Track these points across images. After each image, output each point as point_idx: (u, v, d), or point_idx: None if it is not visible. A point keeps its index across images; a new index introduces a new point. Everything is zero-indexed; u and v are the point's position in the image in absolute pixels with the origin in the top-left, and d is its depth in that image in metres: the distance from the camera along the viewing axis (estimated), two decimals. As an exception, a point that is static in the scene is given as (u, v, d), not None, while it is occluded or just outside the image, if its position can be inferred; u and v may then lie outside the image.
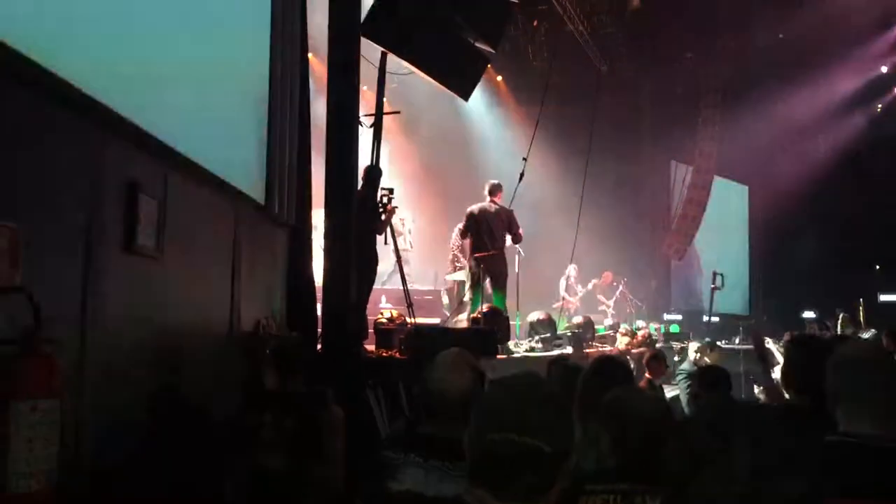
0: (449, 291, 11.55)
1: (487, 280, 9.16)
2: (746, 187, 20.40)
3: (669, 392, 7.80)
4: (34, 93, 2.73)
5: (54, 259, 2.88)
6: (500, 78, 15.79)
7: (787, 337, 9.20)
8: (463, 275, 10.70)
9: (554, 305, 12.99)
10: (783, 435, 1.13)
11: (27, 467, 2.39)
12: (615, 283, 14.39)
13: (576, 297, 13.58)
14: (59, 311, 2.74)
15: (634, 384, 3.11)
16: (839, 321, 10.54)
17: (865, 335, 9.02)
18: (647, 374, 6.96)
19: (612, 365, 3.27)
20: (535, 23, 15.28)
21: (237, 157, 4.93)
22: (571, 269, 13.41)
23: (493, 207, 9.23)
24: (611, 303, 14.21)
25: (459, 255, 10.93)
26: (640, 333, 11.15)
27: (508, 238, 9.37)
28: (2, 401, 2.33)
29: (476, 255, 9.05)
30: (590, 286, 13.88)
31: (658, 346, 10.83)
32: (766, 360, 5.05)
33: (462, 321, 8.96)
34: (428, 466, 2.48)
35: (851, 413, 2.37)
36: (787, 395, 3.23)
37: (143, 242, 3.51)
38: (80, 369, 2.96)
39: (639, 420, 2.43)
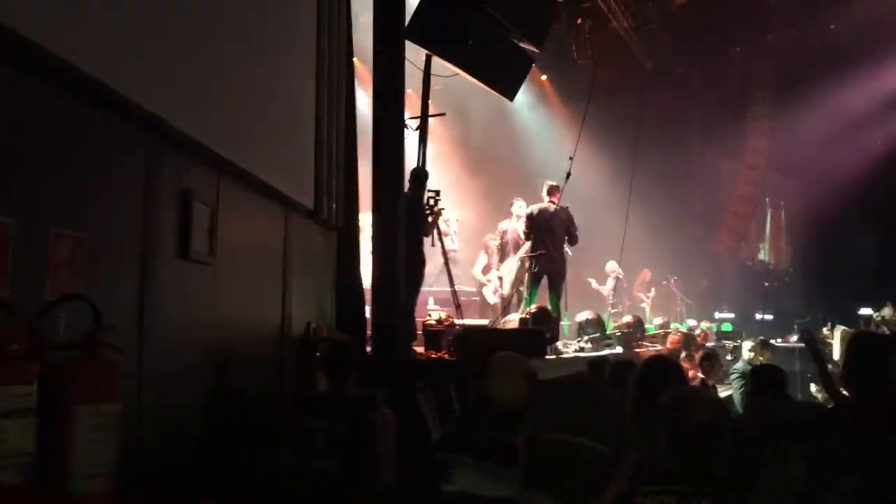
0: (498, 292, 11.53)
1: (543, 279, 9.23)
2: (799, 182, 20.00)
3: (723, 392, 7.68)
4: (95, 107, 2.80)
5: (113, 266, 2.95)
6: (544, 77, 15.72)
7: (841, 333, 9.03)
8: (504, 272, 10.73)
9: (612, 311, 12.88)
10: (838, 436, 1.11)
11: (89, 469, 2.44)
12: (654, 280, 14.23)
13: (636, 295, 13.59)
14: (117, 316, 2.80)
15: (688, 384, 3.06)
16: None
17: None
18: (700, 374, 6.88)
19: (665, 365, 3.23)
20: (579, 20, 15.16)
21: (286, 163, 4.98)
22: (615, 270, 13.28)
23: (551, 207, 9.30)
24: (649, 300, 14.06)
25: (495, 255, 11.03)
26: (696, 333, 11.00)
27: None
28: (65, 404, 2.40)
29: (534, 254, 9.14)
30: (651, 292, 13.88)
31: (709, 345, 10.71)
32: (820, 358, 4.93)
33: (512, 321, 8.95)
34: (481, 468, 2.48)
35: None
36: (846, 393, 3.15)
37: (196, 248, 3.57)
38: (138, 373, 3.02)
39: (694, 421, 2.41)
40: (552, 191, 9.43)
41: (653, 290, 14.17)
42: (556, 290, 9.27)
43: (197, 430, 3.57)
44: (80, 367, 2.43)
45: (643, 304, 13.92)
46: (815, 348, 5.15)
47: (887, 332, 8.40)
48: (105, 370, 2.49)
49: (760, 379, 4.46)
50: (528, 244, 9.88)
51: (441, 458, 2.65)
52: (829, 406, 4.04)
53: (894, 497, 2.05)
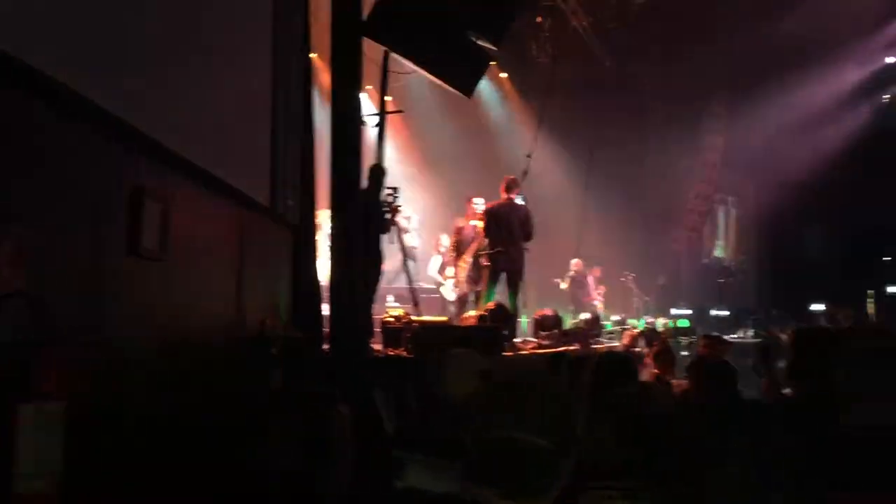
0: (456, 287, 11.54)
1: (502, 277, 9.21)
2: (753, 180, 20.32)
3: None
4: (41, 101, 2.75)
5: (59, 264, 2.89)
6: (504, 75, 15.79)
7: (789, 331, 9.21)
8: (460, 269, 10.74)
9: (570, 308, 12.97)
10: (782, 433, 1.14)
11: (34, 469, 2.41)
12: (604, 277, 14.30)
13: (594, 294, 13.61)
14: (65, 314, 2.76)
15: (639, 380, 3.10)
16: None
17: None
18: (654, 370, 6.95)
19: (617, 361, 3.27)
20: (539, 19, 15.24)
21: (241, 159, 4.94)
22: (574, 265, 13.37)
23: (509, 204, 9.23)
24: (600, 297, 14.13)
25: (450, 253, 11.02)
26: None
27: None
28: (10, 403, 2.36)
29: (492, 251, 9.09)
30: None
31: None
32: (768, 357, 5.05)
33: (469, 319, 8.97)
34: (432, 465, 2.49)
35: (857, 406, 2.38)
36: (787, 388, 3.22)
37: (147, 246, 3.52)
38: (86, 371, 2.97)
39: (643, 417, 2.44)
40: (511, 186, 9.35)
41: (602, 287, 14.25)
42: (513, 288, 9.27)
43: (149, 430, 3.52)
44: (25, 365, 2.39)
45: (595, 302, 13.99)
46: (768, 354, 5.25)
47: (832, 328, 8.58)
48: (50, 368, 2.46)
49: (709, 374, 4.53)
50: (482, 241, 9.89)
51: (394, 456, 2.65)
52: (776, 403, 4.12)
53: (839, 489, 2.10)
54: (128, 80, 3.30)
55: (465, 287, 10.75)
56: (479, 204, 10.68)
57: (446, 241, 11.61)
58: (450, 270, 11.39)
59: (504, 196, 9.37)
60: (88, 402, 2.96)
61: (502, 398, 1.65)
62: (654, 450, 2.15)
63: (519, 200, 9.29)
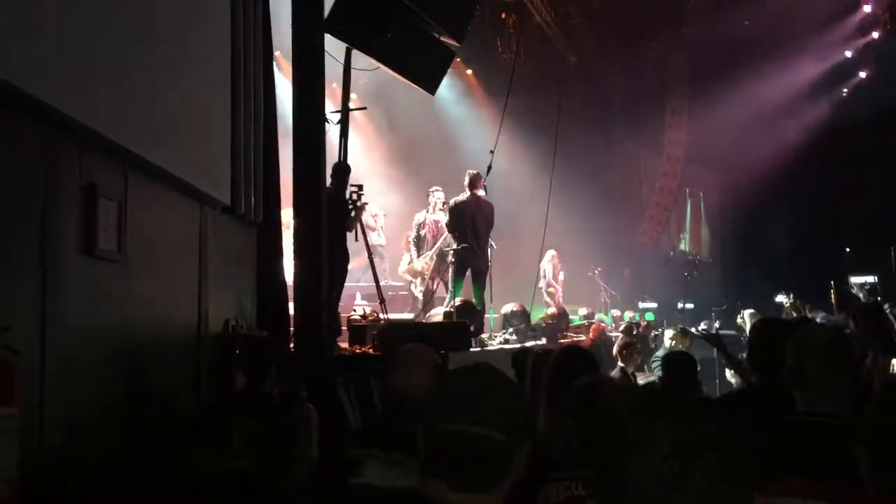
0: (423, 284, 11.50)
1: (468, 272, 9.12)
2: (717, 173, 20.56)
3: (643, 379, 7.85)
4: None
5: (7, 265, 2.84)
6: (469, 71, 15.80)
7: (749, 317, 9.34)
8: (418, 265, 10.71)
9: (541, 286, 12.92)
10: (706, 418, 1.15)
11: (-12, 475, 2.37)
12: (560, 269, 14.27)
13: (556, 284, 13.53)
14: (15, 316, 2.70)
15: (601, 373, 3.12)
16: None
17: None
18: (619, 363, 7.01)
19: (578, 354, 3.29)
20: (504, 15, 15.29)
21: (200, 157, 4.89)
22: (548, 256, 13.33)
23: (474, 200, 9.15)
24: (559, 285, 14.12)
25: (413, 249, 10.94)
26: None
27: None
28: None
29: (458, 248, 9.01)
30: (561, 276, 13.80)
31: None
32: (727, 355, 5.14)
33: (437, 315, 8.96)
34: (389, 460, 2.48)
35: (811, 393, 2.41)
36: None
37: (103, 245, 3.47)
38: (40, 376, 2.93)
39: (603, 408, 2.45)
40: (475, 181, 9.22)
41: (562, 276, 14.22)
42: (479, 284, 9.22)
43: (107, 433, 3.48)
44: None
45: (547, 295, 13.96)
46: (722, 346, 5.34)
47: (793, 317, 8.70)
48: (1, 373, 2.41)
49: (671, 365, 4.60)
50: (446, 236, 9.83)
51: (352, 452, 2.64)
52: (732, 392, 4.19)
53: (792, 475, 2.12)
54: (79, 77, 3.25)
55: (430, 283, 10.71)
56: (437, 192, 10.59)
57: (412, 236, 11.56)
58: (417, 264, 11.29)
59: (468, 192, 9.29)
60: (42, 408, 2.92)
61: (449, 391, 1.64)
62: (604, 440, 2.15)
63: (481, 193, 9.18)
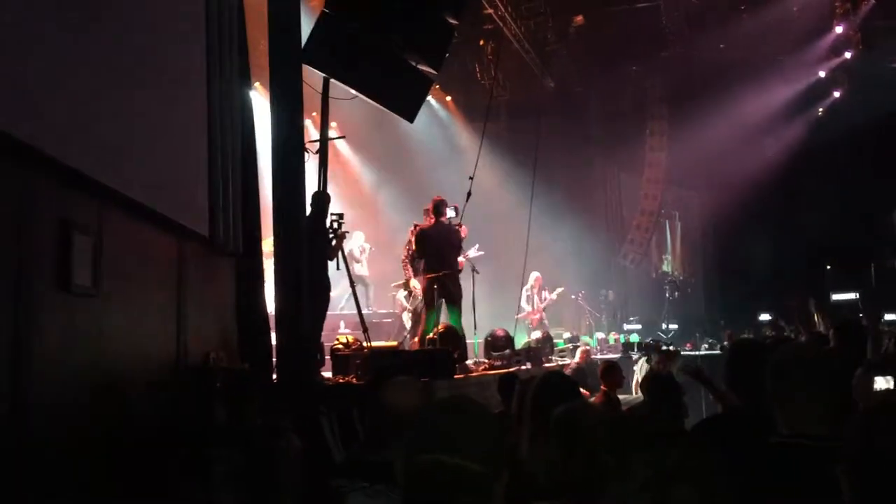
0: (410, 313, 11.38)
1: (442, 301, 9.02)
2: (697, 194, 20.71)
3: (628, 403, 7.83)
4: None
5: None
6: (448, 97, 15.91)
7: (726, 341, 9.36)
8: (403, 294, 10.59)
9: (518, 316, 12.89)
10: (685, 444, 1.14)
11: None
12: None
13: (540, 305, 13.44)
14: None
15: (582, 398, 3.10)
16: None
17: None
18: (602, 386, 6.99)
19: (559, 380, 3.28)
20: (482, 41, 15.42)
21: (177, 190, 4.87)
22: (532, 279, 13.30)
23: (439, 227, 9.05)
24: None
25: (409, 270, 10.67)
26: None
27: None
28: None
29: (429, 275, 8.91)
30: (554, 295, 13.67)
31: (616, 356, 10.92)
32: (708, 382, 5.13)
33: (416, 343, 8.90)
34: (373, 492, 2.45)
35: (791, 414, 2.40)
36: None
37: (78, 281, 3.44)
38: (13, 412, 2.88)
39: (585, 434, 2.43)
40: (439, 207, 9.02)
41: (545, 294, 14.18)
42: (455, 308, 9.12)
43: (84, 470, 3.42)
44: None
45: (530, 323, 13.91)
46: (701, 376, 5.32)
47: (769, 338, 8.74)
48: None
49: (655, 389, 4.59)
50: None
51: (337, 485, 2.60)
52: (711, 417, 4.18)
53: (772, 497, 2.10)
54: (53, 113, 3.23)
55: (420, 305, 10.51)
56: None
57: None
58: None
59: (433, 219, 9.06)
60: (18, 443, 2.87)
61: (428, 422, 1.63)
62: (581, 468, 2.14)
63: (451, 213, 9.06)
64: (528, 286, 13.21)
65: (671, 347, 10.21)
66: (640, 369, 8.23)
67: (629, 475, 1.09)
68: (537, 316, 13.29)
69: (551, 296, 13.51)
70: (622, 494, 1.08)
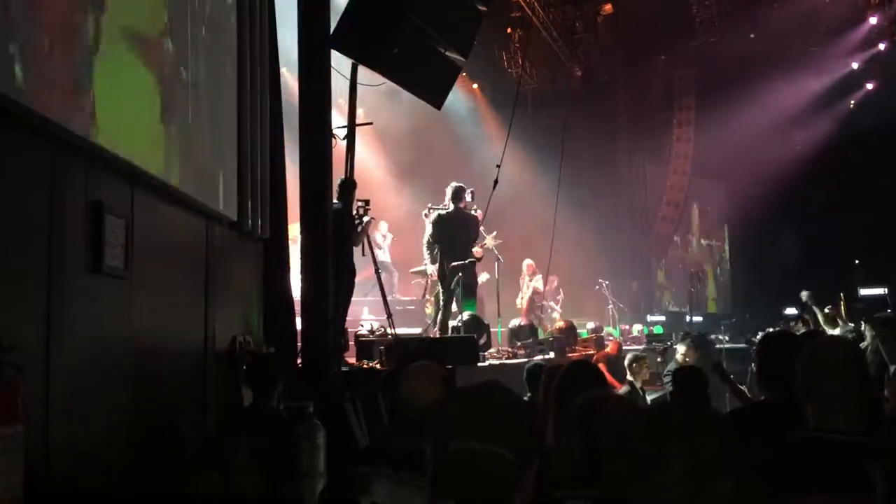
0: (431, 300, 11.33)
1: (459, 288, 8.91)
2: (724, 186, 20.53)
3: (654, 394, 7.80)
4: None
5: (14, 282, 2.84)
6: (475, 85, 15.85)
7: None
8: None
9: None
10: (719, 438, 1.13)
11: (-7, 495, 2.36)
12: (560, 287, 14.05)
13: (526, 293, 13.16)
14: (21, 335, 2.70)
15: (607, 388, 3.08)
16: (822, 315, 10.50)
17: (836, 331, 9.05)
18: (628, 377, 6.97)
19: (585, 369, 3.26)
20: (509, 30, 15.36)
21: (207, 174, 4.89)
22: (523, 266, 13.09)
23: (458, 213, 9.01)
24: (557, 306, 13.89)
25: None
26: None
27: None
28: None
29: (453, 264, 8.84)
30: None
31: (640, 347, 10.86)
32: (730, 380, 5.11)
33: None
34: (398, 479, 2.46)
35: (822, 409, 2.38)
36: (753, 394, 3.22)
37: (110, 263, 3.47)
38: (45, 394, 2.92)
39: (607, 424, 2.41)
40: (459, 194, 9.01)
41: (561, 295, 14.07)
42: (471, 298, 9.05)
43: (113, 451, 3.46)
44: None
45: (554, 313, 13.80)
46: (724, 376, 5.31)
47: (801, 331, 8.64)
48: (4, 391, 2.40)
49: (681, 381, 4.57)
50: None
51: (360, 471, 2.61)
52: (735, 409, 4.16)
53: (803, 491, 2.09)
54: (83, 95, 3.26)
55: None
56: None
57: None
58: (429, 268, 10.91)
59: (452, 206, 9.05)
60: (47, 426, 2.91)
61: (459, 409, 1.62)
62: (611, 459, 2.12)
63: (468, 197, 8.96)
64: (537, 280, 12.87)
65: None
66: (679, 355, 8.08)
67: (666, 467, 1.08)
68: (523, 306, 12.91)
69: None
70: (660, 485, 1.07)
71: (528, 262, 13.09)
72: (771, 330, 9.31)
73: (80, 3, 3.28)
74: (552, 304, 13.78)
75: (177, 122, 4.36)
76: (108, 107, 3.44)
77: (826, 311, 10.46)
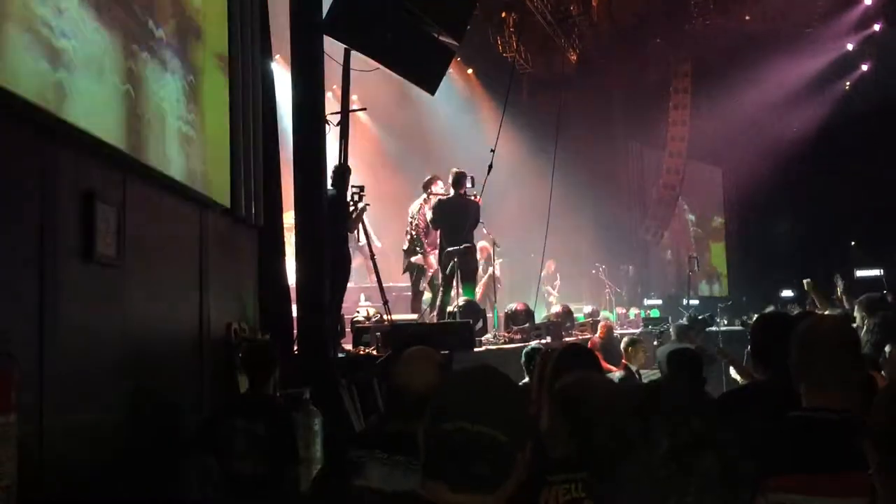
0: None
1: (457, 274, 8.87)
2: (720, 169, 20.52)
3: (650, 377, 7.80)
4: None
5: (6, 271, 2.83)
6: (469, 70, 15.78)
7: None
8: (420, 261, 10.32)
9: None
10: (706, 416, 1.13)
11: (-14, 483, 2.35)
12: (557, 272, 14.01)
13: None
14: (13, 323, 2.69)
15: (595, 371, 3.06)
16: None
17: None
18: (623, 360, 6.98)
19: (578, 352, 3.25)
20: (504, 13, 15.28)
21: (200, 160, 4.88)
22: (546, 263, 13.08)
23: (459, 199, 8.99)
24: (555, 291, 13.87)
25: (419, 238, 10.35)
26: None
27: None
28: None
29: (449, 249, 8.83)
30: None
31: (637, 331, 10.88)
32: (729, 355, 5.12)
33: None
34: (392, 462, 2.46)
35: (814, 388, 2.37)
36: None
37: (101, 251, 3.46)
38: (38, 382, 2.91)
39: (590, 405, 2.40)
40: (459, 180, 8.97)
41: (558, 280, 14.05)
42: (469, 283, 9.05)
43: (107, 439, 3.46)
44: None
45: (550, 298, 13.77)
46: (723, 351, 5.32)
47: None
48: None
49: (674, 362, 4.57)
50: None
51: (355, 455, 2.61)
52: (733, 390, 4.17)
53: (794, 471, 2.09)
54: (77, 83, 3.24)
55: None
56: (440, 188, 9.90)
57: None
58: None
59: (452, 192, 9.01)
60: (41, 414, 2.90)
61: (452, 390, 1.62)
62: (597, 440, 2.12)
63: (468, 184, 8.96)
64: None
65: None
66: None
67: (650, 447, 1.08)
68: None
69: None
70: (646, 462, 1.07)
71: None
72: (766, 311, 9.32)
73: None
74: (549, 288, 13.76)
75: (169, 109, 4.34)
76: (99, 94, 3.42)
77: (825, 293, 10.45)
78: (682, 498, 1.03)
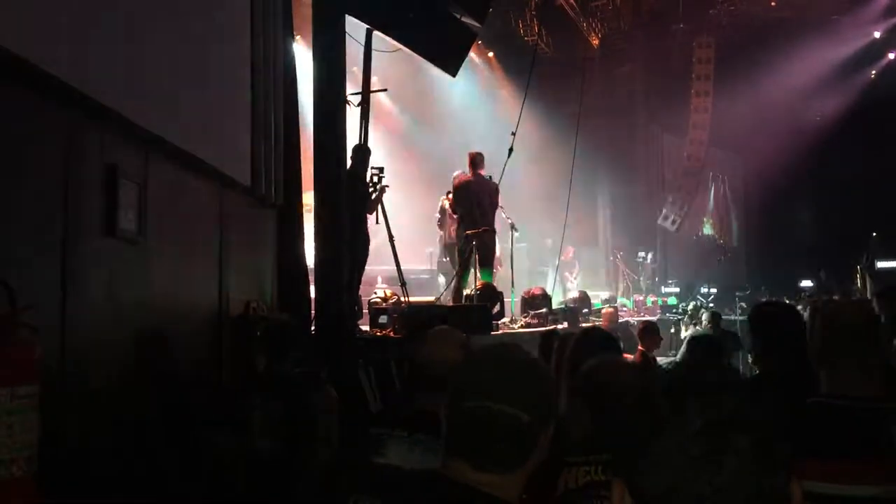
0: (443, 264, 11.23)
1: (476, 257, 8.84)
2: (741, 157, 20.33)
3: (665, 362, 7.77)
4: (6, 79, 2.68)
5: (31, 245, 2.85)
6: (491, 53, 15.70)
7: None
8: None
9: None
10: (738, 394, 1.11)
11: (7, 454, 2.36)
12: (576, 258, 13.99)
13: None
14: (36, 296, 2.70)
15: (612, 354, 3.05)
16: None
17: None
18: (639, 346, 6.95)
19: (599, 335, 3.24)
20: (526, -3, 15.19)
21: (221, 139, 4.88)
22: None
23: (479, 180, 8.90)
24: (573, 277, 13.86)
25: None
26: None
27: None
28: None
29: (467, 231, 8.79)
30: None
31: (654, 318, 10.83)
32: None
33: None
34: (413, 440, 2.46)
35: (835, 374, 2.36)
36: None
37: (123, 226, 3.47)
38: (60, 354, 2.93)
39: (615, 389, 2.40)
40: (477, 161, 8.89)
41: (577, 266, 14.02)
42: (487, 265, 9.02)
43: (126, 413, 3.49)
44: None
45: (568, 283, 13.75)
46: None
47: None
48: (21, 352, 2.41)
49: (695, 347, 4.54)
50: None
51: (375, 433, 2.61)
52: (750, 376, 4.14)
53: (813, 456, 2.08)
54: (98, 58, 3.24)
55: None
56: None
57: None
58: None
59: (472, 172, 8.93)
60: (63, 387, 2.92)
61: (474, 369, 1.61)
62: (624, 420, 2.11)
63: (484, 173, 8.94)
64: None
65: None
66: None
67: (683, 424, 1.06)
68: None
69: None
70: (675, 444, 1.06)
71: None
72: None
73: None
74: (567, 274, 13.75)
75: (191, 87, 4.33)
76: (123, 69, 3.42)
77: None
78: (714, 477, 1.01)
